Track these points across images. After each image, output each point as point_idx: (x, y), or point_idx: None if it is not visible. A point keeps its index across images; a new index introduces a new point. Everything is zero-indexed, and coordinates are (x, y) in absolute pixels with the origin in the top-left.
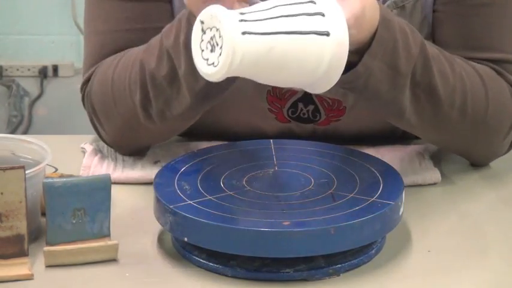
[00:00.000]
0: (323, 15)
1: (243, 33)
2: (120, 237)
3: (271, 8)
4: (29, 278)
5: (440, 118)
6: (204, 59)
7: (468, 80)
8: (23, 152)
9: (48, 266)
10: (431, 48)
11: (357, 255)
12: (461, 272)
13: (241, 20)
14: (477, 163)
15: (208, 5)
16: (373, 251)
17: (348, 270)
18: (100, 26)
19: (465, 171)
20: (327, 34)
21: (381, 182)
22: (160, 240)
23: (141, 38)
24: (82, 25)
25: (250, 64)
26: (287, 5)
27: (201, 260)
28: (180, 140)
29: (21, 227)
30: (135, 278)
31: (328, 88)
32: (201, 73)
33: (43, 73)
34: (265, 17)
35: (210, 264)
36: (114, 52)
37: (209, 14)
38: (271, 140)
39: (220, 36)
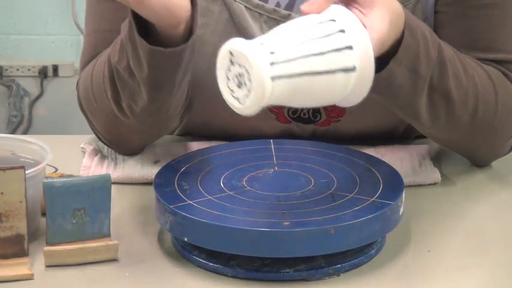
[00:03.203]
0: (351, 48)
1: (273, 78)
2: (120, 237)
3: (301, 44)
4: (29, 278)
5: (452, 120)
6: (230, 89)
7: (480, 82)
8: (23, 152)
9: (48, 266)
10: (448, 50)
11: (357, 255)
12: (461, 272)
13: (272, 64)
14: (479, 163)
15: None
16: (373, 251)
17: (348, 270)
18: (95, 26)
19: (465, 171)
20: (354, 69)
21: (381, 182)
22: (160, 240)
23: None
24: (82, 25)
25: (275, 101)
26: (318, 38)
27: (201, 260)
28: (180, 140)
29: (21, 227)
30: (135, 278)
31: (354, 103)
32: (224, 98)
33: (43, 73)
34: (295, 56)
35: (210, 264)
36: None
37: (239, 52)
38: (271, 140)
39: (249, 80)
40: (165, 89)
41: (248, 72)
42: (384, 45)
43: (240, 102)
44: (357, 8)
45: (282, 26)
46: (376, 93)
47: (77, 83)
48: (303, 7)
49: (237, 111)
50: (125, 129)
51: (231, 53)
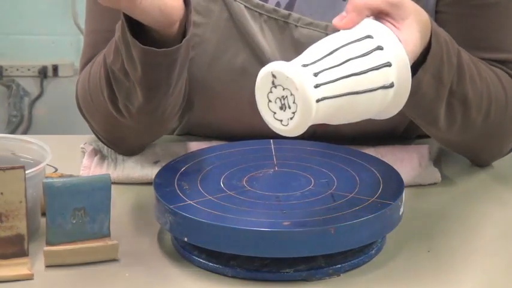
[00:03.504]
0: (390, 65)
1: (317, 100)
2: (120, 237)
3: (342, 64)
4: (29, 278)
5: (467, 123)
6: (271, 110)
7: (492, 84)
8: (23, 152)
9: (48, 266)
10: (464, 55)
11: (357, 255)
12: (461, 272)
13: (317, 86)
14: (481, 163)
15: None
16: (373, 251)
17: (348, 270)
18: (94, 26)
19: (465, 171)
20: (392, 86)
21: (381, 182)
22: (160, 240)
23: None
24: (82, 25)
25: (317, 121)
26: (357, 58)
27: (201, 260)
28: (180, 140)
29: (21, 227)
30: (135, 278)
31: (390, 116)
32: (266, 122)
33: (43, 73)
34: (337, 77)
35: (210, 264)
36: None
37: (284, 75)
38: (271, 140)
39: (294, 102)
40: (160, 89)
41: (293, 95)
42: (416, 56)
43: (283, 124)
44: (388, 21)
45: (320, 43)
46: None
47: (76, 84)
48: (335, 21)
49: (279, 132)
50: (123, 129)
51: (273, 75)
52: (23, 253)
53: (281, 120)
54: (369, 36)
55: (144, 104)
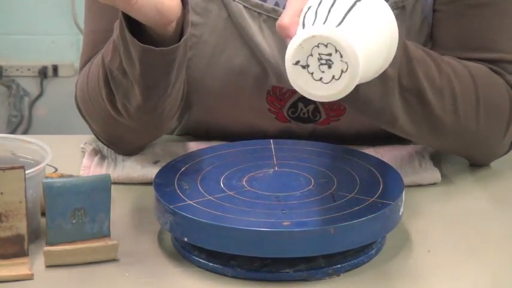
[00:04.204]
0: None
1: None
2: (120, 237)
3: (359, 15)
4: (29, 278)
5: (433, 122)
6: (309, 72)
7: (457, 80)
8: (23, 152)
9: (48, 266)
10: (416, 50)
11: (357, 255)
12: (461, 272)
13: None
14: (478, 163)
15: None
16: (373, 251)
17: (348, 270)
18: (93, 25)
19: (465, 171)
20: (393, 20)
21: (381, 182)
22: (160, 240)
23: None
24: (82, 25)
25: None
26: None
27: (201, 260)
28: (180, 140)
29: (21, 227)
30: (135, 278)
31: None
32: (297, 87)
33: (43, 73)
34: (363, 28)
35: (210, 264)
36: None
37: (322, 35)
38: (271, 140)
39: (341, 61)
40: (159, 88)
41: (340, 55)
42: None
43: (336, 79)
44: None
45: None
46: (349, 103)
47: (76, 84)
48: None
49: (318, 98)
50: (122, 129)
51: (318, 39)
52: (23, 253)
53: (322, 80)
54: None
55: (143, 103)
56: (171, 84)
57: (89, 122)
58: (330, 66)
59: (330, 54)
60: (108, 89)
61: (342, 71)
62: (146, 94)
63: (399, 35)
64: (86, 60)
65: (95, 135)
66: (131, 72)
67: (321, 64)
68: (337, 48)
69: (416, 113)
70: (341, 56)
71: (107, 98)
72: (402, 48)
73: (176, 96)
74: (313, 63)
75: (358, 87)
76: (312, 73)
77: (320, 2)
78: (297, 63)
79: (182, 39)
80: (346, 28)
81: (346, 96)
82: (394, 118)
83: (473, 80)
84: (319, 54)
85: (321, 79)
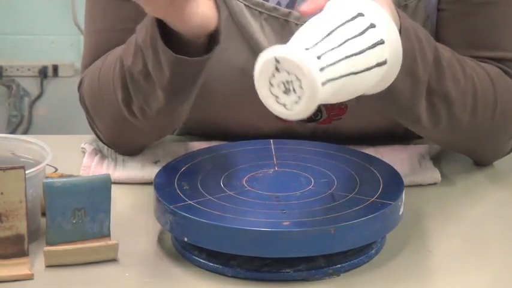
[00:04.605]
0: (383, 42)
1: (323, 84)
2: (120, 237)
3: (341, 45)
4: (29, 278)
5: (452, 121)
6: (274, 95)
7: (478, 81)
8: (23, 152)
9: (48, 266)
10: (445, 52)
11: (357, 255)
12: (461, 272)
13: (322, 69)
14: (481, 162)
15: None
16: (373, 251)
17: (348, 270)
18: (96, 25)
19: (465, 171)
20: (385, 62)
21: (381, 182)
22: (160, 240)
23: None
24: (82, 25)
25: (321, 102)
26: (354, 37)
27: (201, 260)
28: (180, 140)
29: (21, 227)
30: (135, 278)
31: (379, 90)
32: (267, 106)
33: (43, 73)
34: (339, 59)
35: (210, 264)
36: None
37: (289, 60)
38: (271, 140)
39: (300, 87)
40: (184, 93)
41: (299, 80)
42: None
43: (287, 108)
44: None
45: (313, 24)
46: (378, 100)
47: (79, 84)
48: (303, 8)
49: (283, 116)
50: (132, 130)
51: (277, 61)
52: (23, 253)
53: (284, 105)
54: (360, 14)
55: (165, 107)
56: (196, 89)
57: (96, 122)
58: (288, 91)
59: (290, 82)
60: (125, 91)
61: (300, 97)
62: (171, 99)
63: (426, 38)
64: (89, 61)
65: (96, 134)
66: (159, 78)
67: (283, 86)
68: (297, 76)
69: (438, 113)
70: (300, 84)
71: (122, 101)
72: (433, 51)
73: (192, 99)
74: (276, 83)
75: (390, 89)
76: (272, 85)
77: (319, 19)
78: (265, 76)
79: (215, 48)
80: (310, 54)
81: (375, 94)
82: (418, 118)
83: (492, 82)
84: (287, 79)
85: (277, 97)
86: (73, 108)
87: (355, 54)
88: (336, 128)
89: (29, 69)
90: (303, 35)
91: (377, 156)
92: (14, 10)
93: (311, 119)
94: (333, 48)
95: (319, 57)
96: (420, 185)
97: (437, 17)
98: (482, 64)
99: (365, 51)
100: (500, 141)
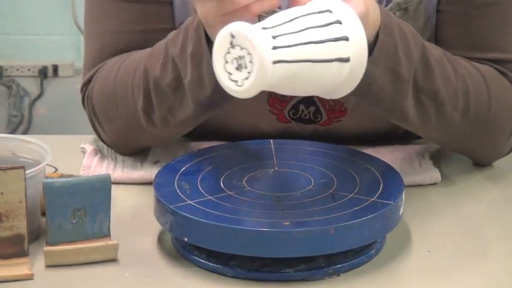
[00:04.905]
0: (347, 39)
1: (274, 62)
2: (120, 237)
3: (301, 31)
4: (29, 278)
5: (443, 120)
6: (227, 71)
7: (470, 80)
8: (23, 152)
9: (48, 266)
10: (435, 51)
11: (357, 255)
12: (461, 272)
13: (274, 47)
14: (481, 163)
15: (227, 19)
16: (373, 251)
17: (348, 270)
18: (100, 27)
19: (465, 171)
20: (348, 60)
21: (381, 182)
22: (160, 240)
23: (141, 40)
24: (82, 25)
25: (273, 87)
26: (317, 27)
27: (201, 260)
28: (180, 140)
29: (21, 227)
30: (135, 278)
31: (340, 96)
32: (220, 83)
33: (43, 73)
34: (296, 43)
35: (210, 264)
36: (114, 54)
37: (243, 34)
38: (271, 140)
39: (251, 62)
40: (217, 108)
41: (250, 55)
42: (366, 27)
43: (237, 85)
44: None
45: (282, 13)
46: (359, 97)
47: (84, 87)
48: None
49: (233, 94)
50: (142, 135)
51: (232, 36)
52: (23, 253)
53: (236, 81)
54: (328, 11)
55: (193, 119)
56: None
57: (102, 123)
58: (240, 68)
59: (242, 57)
60: (146, 100)
61: (249, 73)
62: (202, 111)
63: (413, 36)
64: (94, 63)
65: (98, 134)
66: (196, 93)
67: (236, 62)
68: (249, 51)
69: (428, 112)
70: (251, 58)
71: (143, 109)
72: (420, 49)
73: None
74: (230, 60)
75: (369, 85)
76: (226, 62)
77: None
78: (220, 52)
79: None
80: (266, 32)
81: (356, 91)
82: (405, 115)
83: (486, 82)
84: (239, 54)
85: (230, 74)
86: (73, 108)
87: (314, 43)
88: (336, 130)
89: (29, 69)
90: (268, 19)
91: (377, 156)
92: (14, 10)
93: (311, 121)
94: (292, 32)
95: (274, 37)
96: (420, 185)
97: (437, 18)
98: (476, 64)
99: (325, 42)
100: (499, 142)
